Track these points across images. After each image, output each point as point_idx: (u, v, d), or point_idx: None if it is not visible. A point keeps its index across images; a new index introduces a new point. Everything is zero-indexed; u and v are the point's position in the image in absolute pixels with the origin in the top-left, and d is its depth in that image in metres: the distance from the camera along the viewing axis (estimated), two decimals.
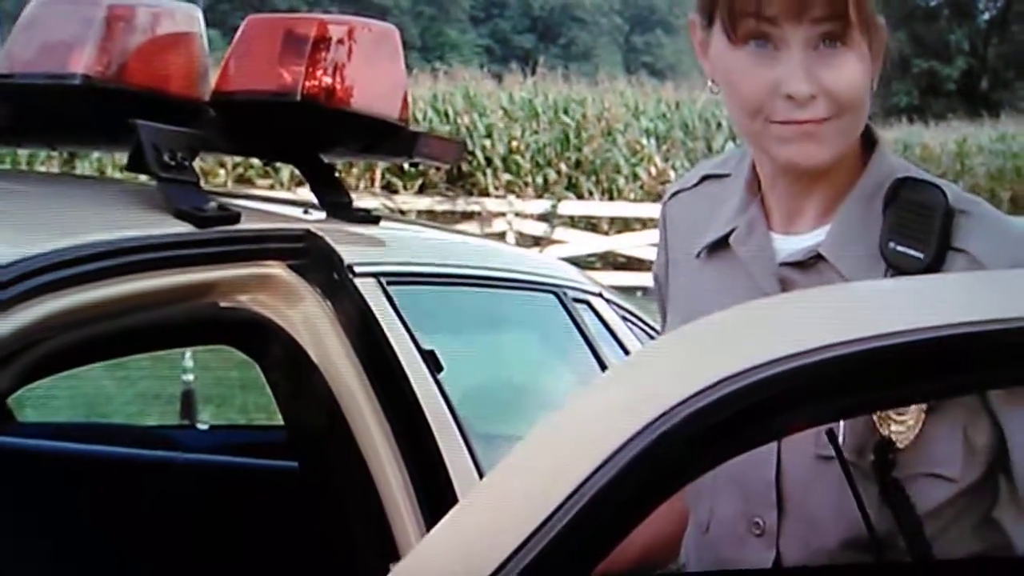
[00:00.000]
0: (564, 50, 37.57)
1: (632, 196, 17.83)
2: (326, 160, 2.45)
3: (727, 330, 1.32)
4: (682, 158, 18.10)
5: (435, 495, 2.09)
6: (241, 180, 16.08)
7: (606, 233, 16.82)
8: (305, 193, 2.48)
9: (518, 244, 13.38)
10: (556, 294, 2.75)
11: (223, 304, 2.08)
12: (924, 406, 1.55)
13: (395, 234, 2.58)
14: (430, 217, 15.14)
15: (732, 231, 1.68)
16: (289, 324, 2.12)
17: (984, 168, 19.65)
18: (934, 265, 1.57)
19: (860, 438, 1.56)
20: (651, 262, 1.86)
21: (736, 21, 1.57)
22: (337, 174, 2.52)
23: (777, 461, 1.60)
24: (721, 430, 1.26)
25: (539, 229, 16.04)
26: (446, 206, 16.54)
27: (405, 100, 2.39)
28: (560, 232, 16.18)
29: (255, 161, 12.42)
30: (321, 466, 2.24)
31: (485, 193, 17.17)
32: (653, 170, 18.09)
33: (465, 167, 17.15)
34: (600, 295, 2.93)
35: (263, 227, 2.20)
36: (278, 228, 2.22)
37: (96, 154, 13.21)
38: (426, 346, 2.21)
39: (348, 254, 2.19)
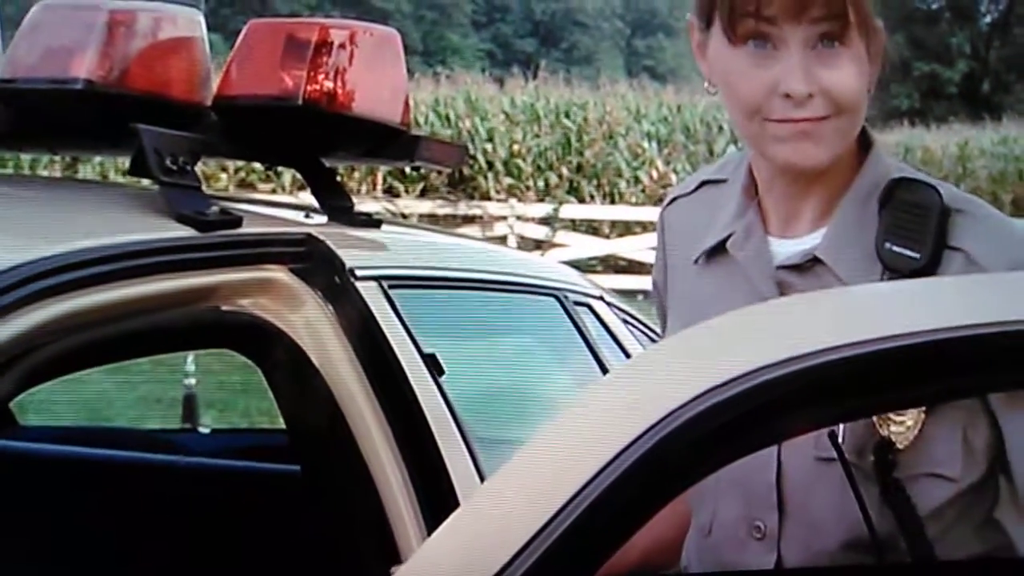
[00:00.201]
0: (566, 54, 37.59)
1: (633, 200, 17.83)
2: (328, 164, 2.45)
3: (728, 333, 1.33)
4: (683, 162, 18.10)
5: (436, 499, 2.09)
6: (243, 184, 16.09)
7: (607, 237, 16.82)
8: (307, 197, 2.48)
9: (519, 248, 13.39)
10: (557, 297, 2.75)
11: (225, 308, 2.08)
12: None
13: (397, 238, 2.58)
14: (431, 221, 15.15)
15: (729, 236, 1.69)
16: (291, 328, 2.12)
17: (986, 171, 19.64)
18: (930, 265, 1.57)
19: (860, 439, 1.56)
20: (652, 266, 1.86)
21: (735, 21, 1.58)
22: (339, 178, 2.52)
23: (777, 464, 1.61)
24: (723, 433, 1.26)
25: (540, 233, 16.05)
26: (448, 210, 16.55)
27: (407, 104, 2.40)
28: (561, 236, 16.18)
29: (257, 165, 12.42)
30: (323, 470, 2.25)
31: (486, 197, 17.17)
32: (654, 174, 18.09)
33: (467, 171, 17.15)
34: (601, 298, 2.93)
35: (265, 231, 2.20)
36: (280, 232, 2.22)
37: (98, 158, 13.21)
38: (427, 350, 2.21)
39: (350, 258, 2.19)
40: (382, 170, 16.34)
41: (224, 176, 15.83)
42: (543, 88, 19.60)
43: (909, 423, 1.55)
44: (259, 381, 2.37)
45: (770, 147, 1.61)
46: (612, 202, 17.81)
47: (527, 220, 16.19)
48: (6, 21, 2.44)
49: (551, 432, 1.32)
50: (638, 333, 2.95)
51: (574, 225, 16.66)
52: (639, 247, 15.55)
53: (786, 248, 1.66)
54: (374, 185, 16.86)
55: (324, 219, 2.37)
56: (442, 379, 2.20)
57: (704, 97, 16.97)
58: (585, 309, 2.81)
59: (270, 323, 2.11)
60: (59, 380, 2.27)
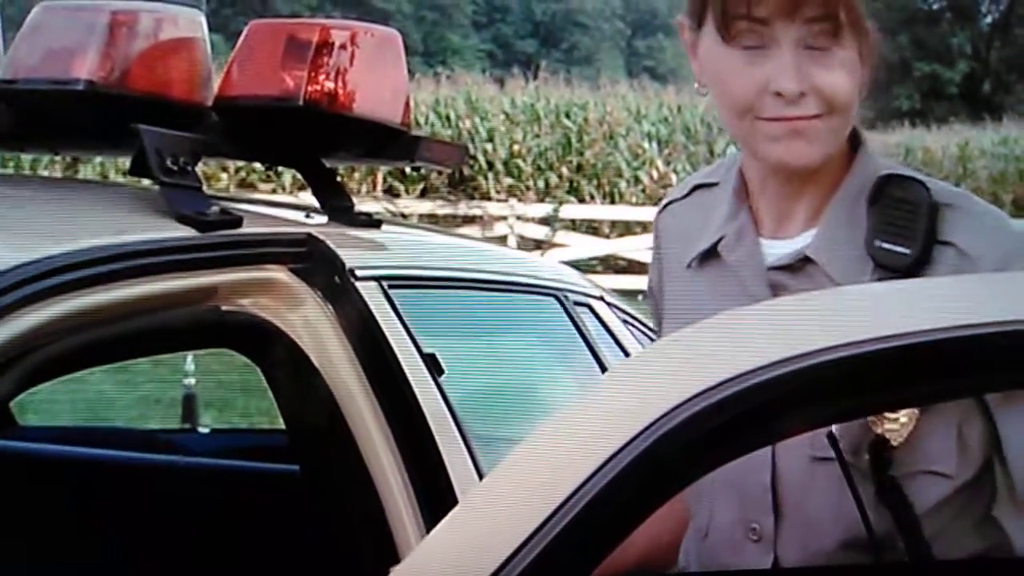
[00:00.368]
0: (566, 54, 37.55)
1: (633, 200, 17.82)
2: (328, 164, 2.46)
3: (722, 335, 1.33)
4: (684, 162, 18.08)
5: (436, 498, 2.10)
6: (243, 184, 16.08)
7: (607, 237, 16.81)
8: (307, 197, 2.49)
9: (520, 248, 13.38)
10: (557, 297, 2.76)
11: (225, 308, 2.09)
12: None
13: (397, 238, 2.58)
14: (432, 221, 15.14)
15: (721, 239, 1.69)
16: (291, 328, 2.12)
17: (986, 172, 19.61)
18: (921, 260, 1.58)
19: (855, 438, 1.56)
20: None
21: (728, 22, 1.58)
22: (339, 178, 2.53)
23: (772, 465, 1.61)
24: (719, 433, 1.27)
25: (540, 233, 16.04)
26: (448, 210, 16.54)
27: (407, 105, 2.40)
28: (561, 236, 16.17)
29: (257, 165, 12.42)
30: (322, 469, 2.25)
31: (487, 197, 17.16)
32: (655, 174, 18.07)
33: (467, 171, 17.13)
34: (601, 298, 2.93)
35: (265, 231, 2.21)
36: (280, 232, 2.23)
37: (99, 159, 13.21)
38: (427, 349, 2.21)
39: (350, 258, 2.19)
40: (382, 170, 16.32)
41: (224, 176, 15.82)
42: (543, 88, 19.58)
43: (903, 420, 1.55)
44: (259, 381, 2.38)
45: (762, 146, 1.61)
46: (612, 202, 17.79)
47: (527, 220, 16.18)
48: (7, 22, 2.45)
49: (549, 431, 1.32)
50: (638, 333, 2.95)
51: (574, 225, 16.65)
52: (639, 247, 15.53)
53: (778, 249, 1.66)
54: (374, 185, 16.85)
55: (324, 219, 2.37)
56: (442, 379, 2.21)
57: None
58: (585, 309, 2.82)
59: (270, 323, 2.12)
60: (59, 380, 2.27)
